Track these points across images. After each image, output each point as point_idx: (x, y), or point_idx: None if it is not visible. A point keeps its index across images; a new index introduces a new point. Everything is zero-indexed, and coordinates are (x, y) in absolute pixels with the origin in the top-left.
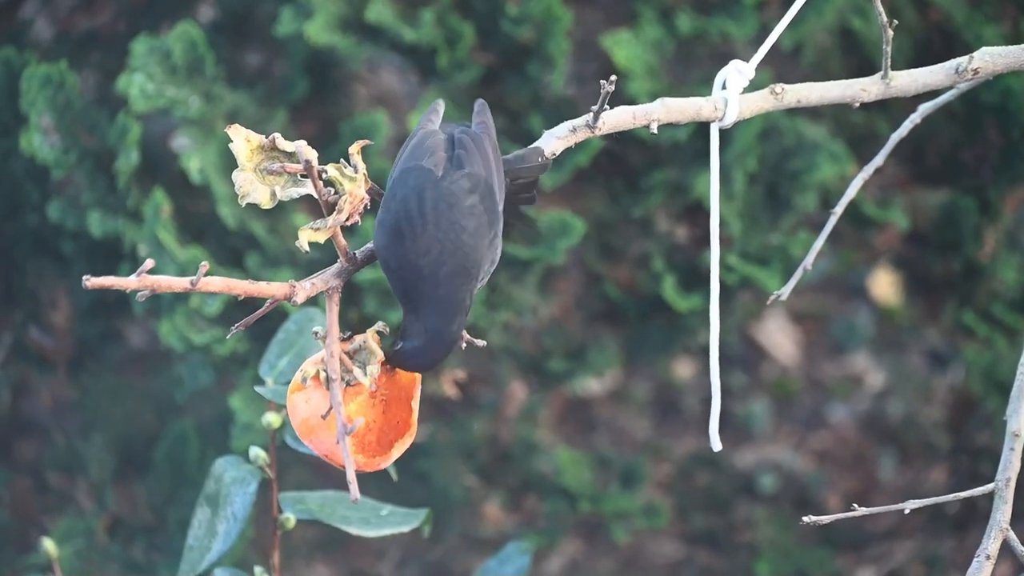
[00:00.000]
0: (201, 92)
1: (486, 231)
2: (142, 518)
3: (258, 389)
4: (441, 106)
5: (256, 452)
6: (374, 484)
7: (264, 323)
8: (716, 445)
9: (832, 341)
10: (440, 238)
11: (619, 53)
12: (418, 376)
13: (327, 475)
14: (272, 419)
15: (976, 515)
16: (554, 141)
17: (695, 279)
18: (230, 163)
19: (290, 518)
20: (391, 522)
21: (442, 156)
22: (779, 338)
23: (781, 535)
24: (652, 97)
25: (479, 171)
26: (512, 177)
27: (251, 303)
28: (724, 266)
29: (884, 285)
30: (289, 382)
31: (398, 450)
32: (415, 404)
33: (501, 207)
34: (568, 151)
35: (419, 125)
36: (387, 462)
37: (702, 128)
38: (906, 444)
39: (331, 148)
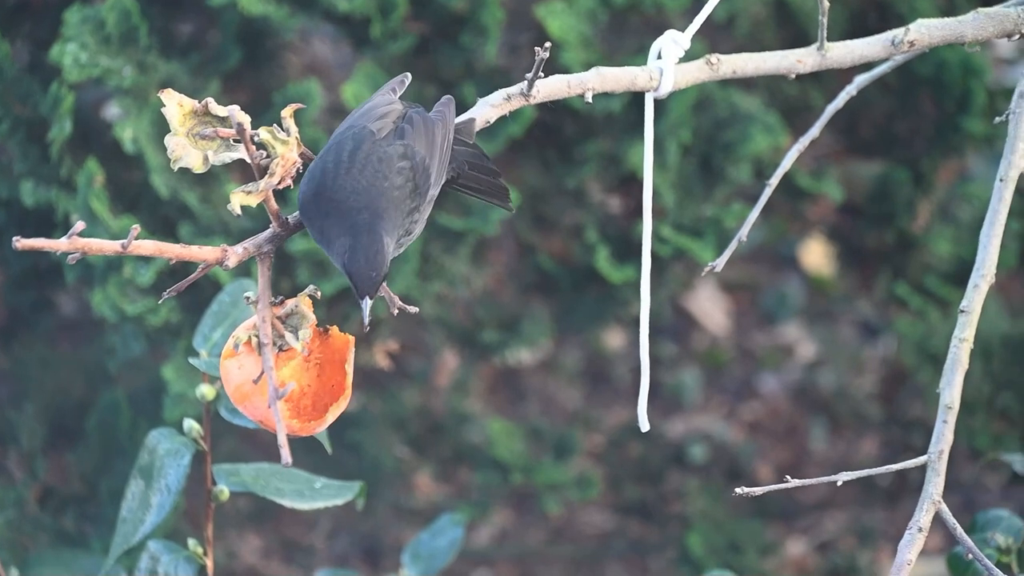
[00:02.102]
0: (135, 62)
1: (407, 196)
2: (73, 488)
3: (192, 361)
4: (408, 79)
5: (190, 424)
6: (306, 455)
7: (197, 294)
8: (644, 425)
9: (763, 311)
10: (361, 180)
11: (553, 23)
12: (351, 339)
13: (259, 445)
14: (206, 391)
15: (908, 486)
16: (488, 109)
17: (628, 250)
18: (163, 133)
19: (224, 490)
20: (325, 495)
21: (389, 124)
22: (710, 308)
23: (712, 506)
24: (586, 67)
25: (419, 149)
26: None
27: (184, 275)
28: (657, 237)
29: (816, 255)
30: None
31: (333, 414)
32: (349, 367)
33: (433, 192)
34: (502, 121)
35: (380, 91)
36: (322, 426)
37: (636, 99)
38: (837, 415)
39: (264, 117)
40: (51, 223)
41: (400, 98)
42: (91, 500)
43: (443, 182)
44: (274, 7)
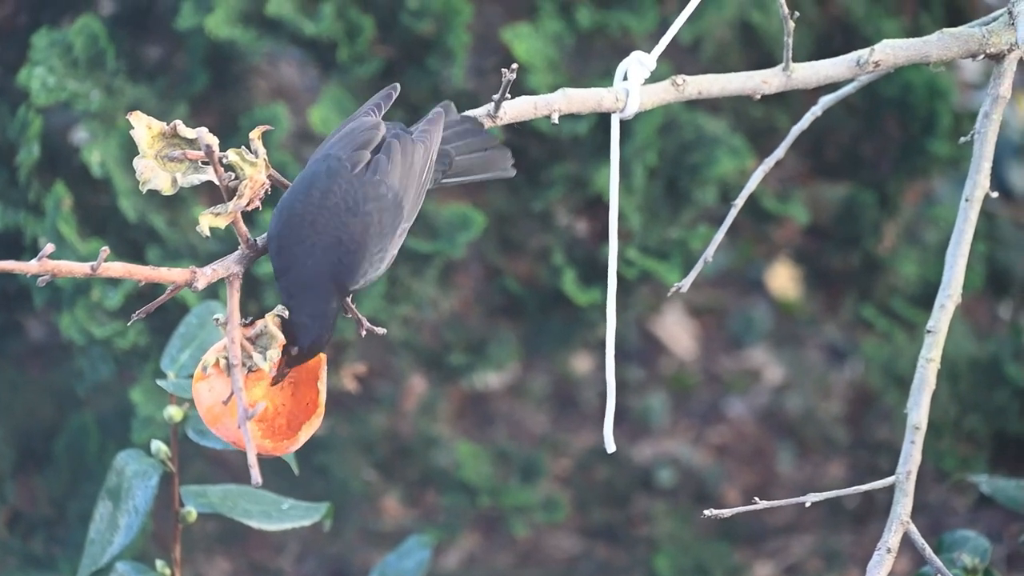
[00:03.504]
0: (102, 85)
1: (374, 242)
2: (42, 511)
3: (159, 383)
4: (396, 91)
5: (158, 445)
6: (274, 478)
7: (165, 317)
8: (610, 447)
9: (730, 335)
10: (322, 233)
11: (519, 46)
12: (323, 356)
13: (228, 468)
14: (174, 412)
15: (875, 509)
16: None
17: (595, 273)
18: (131, 156)
19: (191, 512)
20: (292, 516)
21: (366, 155)
22: (677, 332)
23: (680, 529)
24: (552, 90)
25: (393, 183)
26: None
27: (152, 298)
28: (624, 260)
29: (782, 279)
30: (191, 375)
31: (305, 433)
32: (322, 384)
33: (405, 226)
34: None
35: (363, 108)
36: (295, 446)
37: (602, 122)
38: (805, 438)
39: (232, 141)
40: (19, 247)
41: (386, 115)
42: (60, 523)
43: (421, 204)
44: (241, 31)
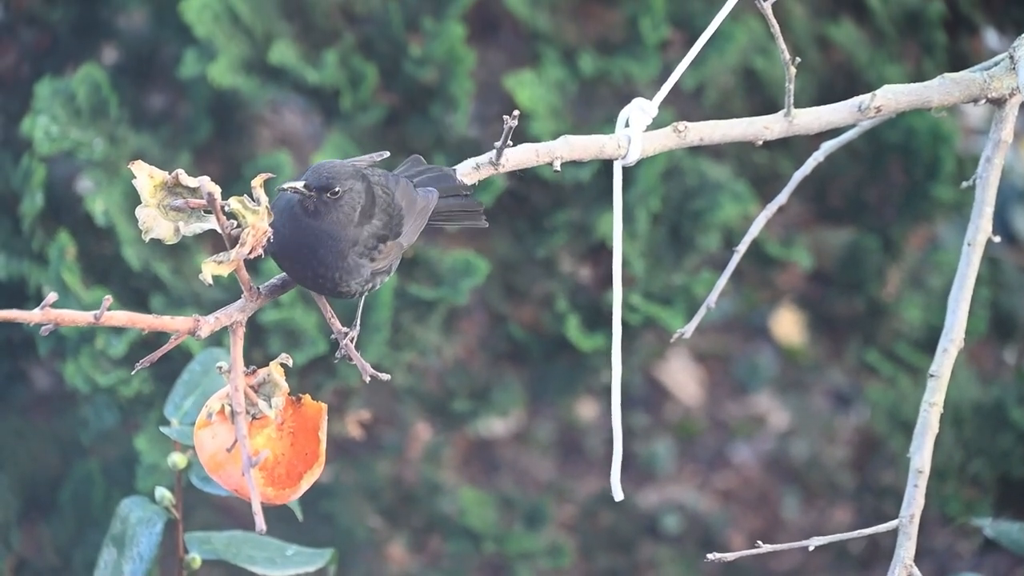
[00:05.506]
0: (105, 134)
1: (380, 207)
2: (48, 559)
3: (163, 429)
4: (385, 155)
5: (162, 492)
6: (279, 524)
7: (169, 364)
8: (618, 494)
9: (735, 381)
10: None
11: (522, 93)
12: (324, 407)
13: (233, 515)
14: (178, 459)
15: (880, 554)
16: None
17: (599, 319)
18: (134, 205)
19: (196, 558)
20: (296, 562)
21: (363, 167)
22: (682, 378)
23: (685, 575)
24: (555, 137)
25: (397, 195)
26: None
27: (156, 346)
28: (627, 306)
29: (787, 325)
30: (195, 422)
31: (307, 481)
32: (322, 435)
33: (403, 242)
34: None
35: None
36: (297, 494)
37: (605, 168)
38: (810, 484)
39: (235, 189)
40: (23, 296)
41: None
42: (65, 571)
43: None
44: (244, 79)
